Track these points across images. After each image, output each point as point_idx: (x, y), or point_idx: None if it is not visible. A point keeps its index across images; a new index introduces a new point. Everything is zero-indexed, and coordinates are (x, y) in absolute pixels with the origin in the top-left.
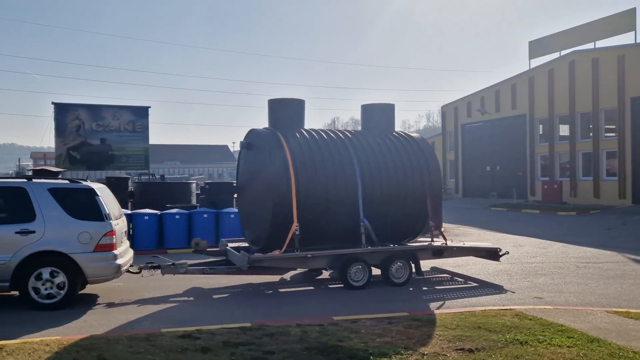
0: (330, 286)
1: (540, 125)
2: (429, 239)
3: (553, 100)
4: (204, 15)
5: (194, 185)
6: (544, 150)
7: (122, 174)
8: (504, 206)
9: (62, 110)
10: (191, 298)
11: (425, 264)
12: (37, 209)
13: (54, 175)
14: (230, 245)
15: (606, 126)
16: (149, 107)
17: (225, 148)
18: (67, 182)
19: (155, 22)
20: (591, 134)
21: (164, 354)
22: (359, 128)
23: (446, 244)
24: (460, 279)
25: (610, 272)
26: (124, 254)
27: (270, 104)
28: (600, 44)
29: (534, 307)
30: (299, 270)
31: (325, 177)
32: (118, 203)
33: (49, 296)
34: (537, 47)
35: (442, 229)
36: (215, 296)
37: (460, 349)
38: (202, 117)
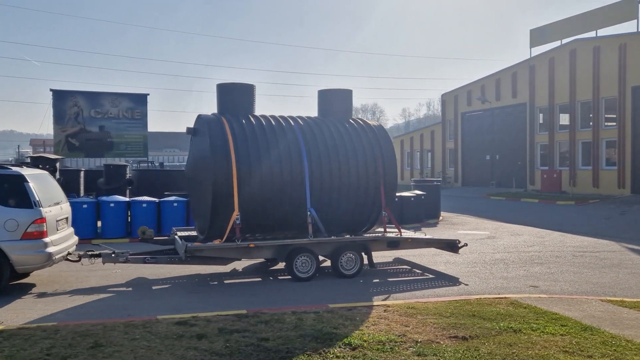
0: (280, 277)
1: (541, 114)
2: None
3: (554, 89)
4: (202, 1)
5: None
6: (544, 140)
7: (121, 161)
8: (503, 195)
9: (60, 97)
10: (130, 289)
11: (398, 254)
12: None
13: (52, 162)
14: (179, 234)
15: (606, 115)
16: (148, 94)
17: None
18: None
19: (153, 8)
20: (591, 123)
21: (159, 340)
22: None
23: (400, 234)
24: (418, 271)
25: (607, 261)
26: (60, 242)
27: (218, 88)
28: (602, 32)
29: (529, 296)
30: (254, 261)
31: (270, 164)
32: (62, 190)
33: None
34: (538, 36)
35: (440, 218)
36: (155, 287)
37: (454, 337)
38: (201, 104)
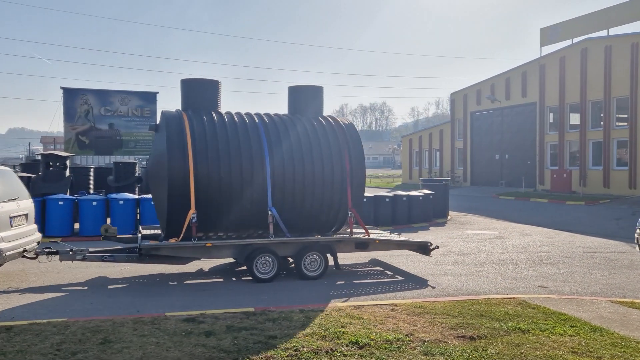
0: (243, 278)
1: (551, 114)
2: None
3: (564, 88)
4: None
5: None
6: (554, 139)
7: (130, 159)
8: (512, 195)
9: (70, 95)
10: (85, 288)
11: (380, 256)
12: None
13: (62, 159)
14: (144, 232)
15: (618, 115)
16: (157, 92)
17: None
18: None
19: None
20: (602, 123)
21: (168, 337)
22: (362, 114)
23: (368, 235)
24: (389, 273)
25: (617, 262)
26: (13, 238)
27: (182, 84)
28: (614, 31)
29: (537, 296)
30: (223, 261)
31: (230, 162)
32: (23, 186)
33: None
34: (548, 34)
35: (449, 217)
36: (110, 286)
37: (461, 337)
38: None
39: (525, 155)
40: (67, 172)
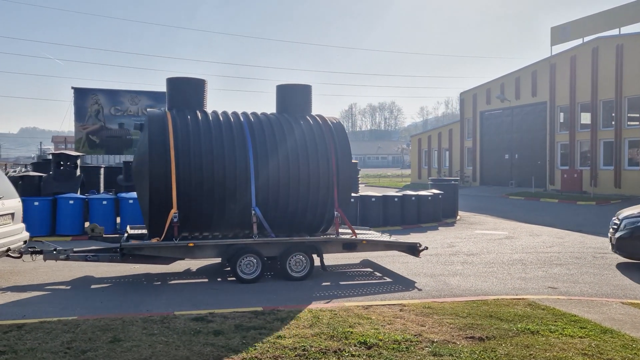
0: (229, 279)
1: (561, 113)
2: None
3: (575, 87)
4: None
5: None
6: (565, 139)
7: None
8: (522, 195)
9: (81, 95)
10: (69, 287)
11: (376, 256)
12: None
13: (73, 159)
14: (131, 232)
15: (629, 114)
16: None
17: None
18: None
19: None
20: (613, 123)
21: (177, 335)
22: (375, 113)
23: (355, 236)
24: (379, 274)
25: (628, 263)
26: None
27: (167, 83)
28: (625, 30)
29: (547, 297)
30: (211, 261)
31: (213, 161)
32: (11, 185)
33: None
34: (559, 34)
35: (458, 217)
36: (93, 286)
37: (470, 337)
38: (218, 102)
39: (535, 155)
40: (78, 172)
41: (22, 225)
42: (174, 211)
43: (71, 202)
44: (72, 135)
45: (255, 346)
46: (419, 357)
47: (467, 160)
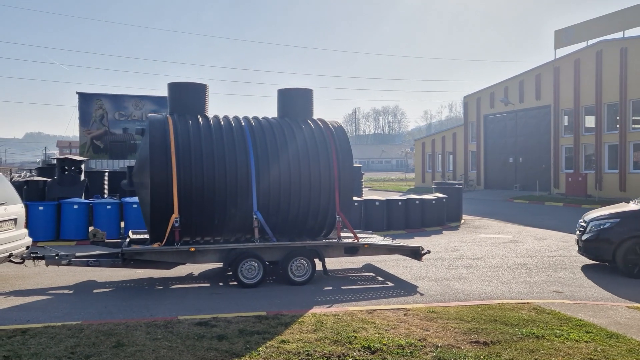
0: (231, 283)
1: (566, 117)
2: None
3: (579, 90)
4: (225, 4)
5: None
6: (569, 142)
7: None
8: (527, 198)
9: (85, 100)
10: (72, 292)
11: (376, 260)
12: None
13: (77, 163)
14: (133, 237)
15: (634, 118)
16: None
17: None
18: None
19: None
20: (618, 126)
21: (180, 340)
22: (379, 117)
23: (357, 240)
24: (380, 278)
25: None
26: (1, 242)
27: (169, 88)
28: (629, 33)
29: (552, 301)
30: (213, 266)
31: (214, 165)
32: (14, 191)
33: None
34: (563, 37)
35: (462, 221)
36: (96, 290)
37: (475, 342)
38: (221, 106)
39: (539, 158)
40: (82, 176)
41: (25, 230)
42: (175, 216)
43: (75, 206)
44: (77, 140)
45: (259, 351)
46: None
47: (471, 164)
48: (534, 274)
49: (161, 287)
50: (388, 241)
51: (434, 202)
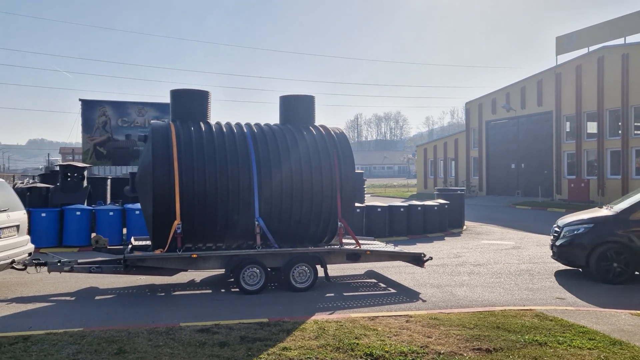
0: (233, 290)
1: (567, 123)
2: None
3: (581, 96)
4: (228, 11)
5: None
6: (571, 148)
7: None
8: (529, 204)
9: (88, 107)
10: (74, 298)
11: (376, 267)
12: None
13: (80, 170)
14: (135, 243)
15: (636, 123)
16: None
17: None
18: None
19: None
20: (620, 132)
21: (182, 347)
22: (382, 123)
23: (359, 246)
24: (383, 285)
25: (637, 274)
26: (3, 249)
27: (171, 95)
28: (631, 39)
29: (555, 308)
30: (214, 272)
31: (216, 171)
32: (17, 197)
33: None
34: (564, 43)
35: (464, 227)
36: (98, 297)
37: (477, 349)
38: (223, 113)
39: (541, 164)
40: (85, 183)
41: (27, 237)
42: (177, 222)
43: (78, 213)
44: (80, 146)
45: (261, 358)
46: None
47: (473, 170)
48: (537, 280)
49: (163, 294)
50: (390, 247)
51: (436, 208)
